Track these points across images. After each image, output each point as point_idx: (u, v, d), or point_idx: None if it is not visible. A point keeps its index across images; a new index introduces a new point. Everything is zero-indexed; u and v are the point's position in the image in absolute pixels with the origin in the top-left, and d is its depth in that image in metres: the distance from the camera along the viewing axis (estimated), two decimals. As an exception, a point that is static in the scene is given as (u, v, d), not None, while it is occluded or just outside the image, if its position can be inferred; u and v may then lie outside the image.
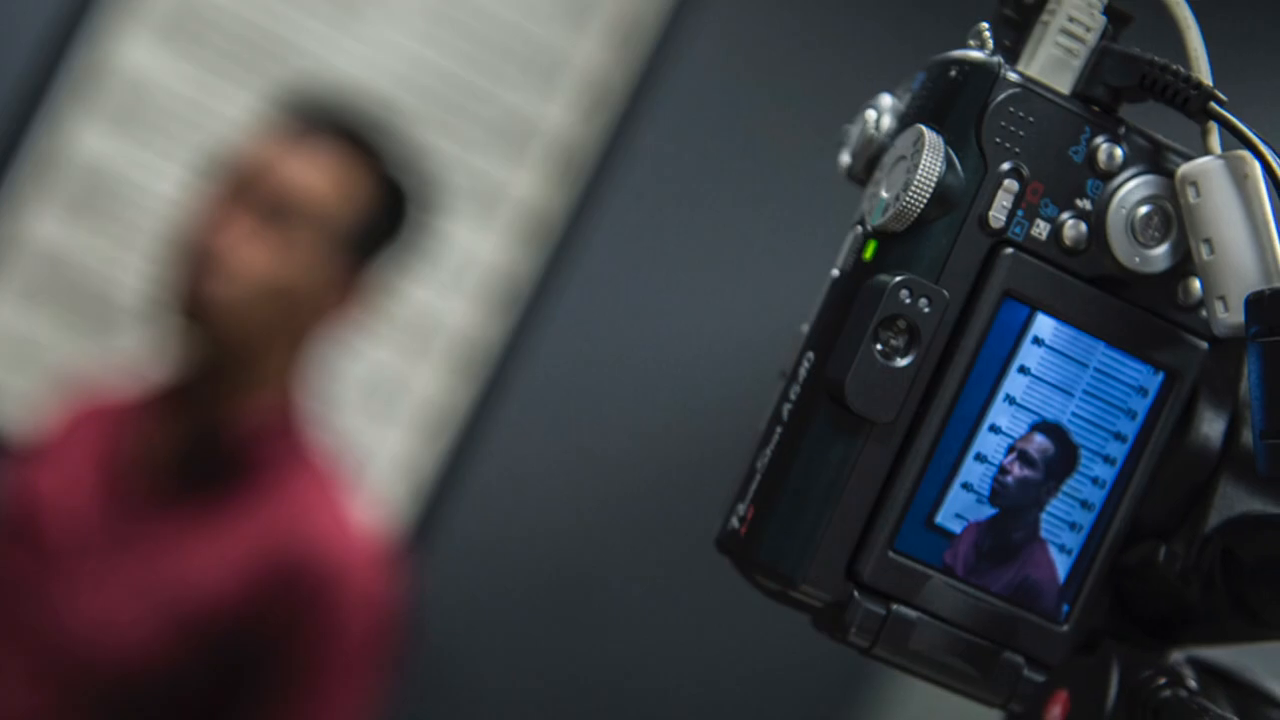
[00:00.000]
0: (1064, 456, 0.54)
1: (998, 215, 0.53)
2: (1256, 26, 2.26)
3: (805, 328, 0.56)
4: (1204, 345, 0.55)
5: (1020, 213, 0.53)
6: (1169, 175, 0.54)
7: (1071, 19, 0.54)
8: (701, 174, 2.34)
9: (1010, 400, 0.54)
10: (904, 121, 0.55)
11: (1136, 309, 0.54)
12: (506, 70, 2.28)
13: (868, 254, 0.54)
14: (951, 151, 0.53)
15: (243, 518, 1.58)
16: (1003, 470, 0.54)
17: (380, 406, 2.26)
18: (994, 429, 0.54)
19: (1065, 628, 0.55)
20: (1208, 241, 0.52)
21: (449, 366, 2.27)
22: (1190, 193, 0.52)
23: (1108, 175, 0.54)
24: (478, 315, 2.27)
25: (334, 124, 1.69)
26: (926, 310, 0.52)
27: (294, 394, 1.66)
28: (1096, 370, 0.54)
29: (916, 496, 0.53)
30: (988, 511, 0.54)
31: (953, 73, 0.54)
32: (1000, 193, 0.53)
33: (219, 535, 1.58)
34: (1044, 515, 0.54)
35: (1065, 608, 0.55)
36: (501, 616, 2.30)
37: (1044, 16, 0.54)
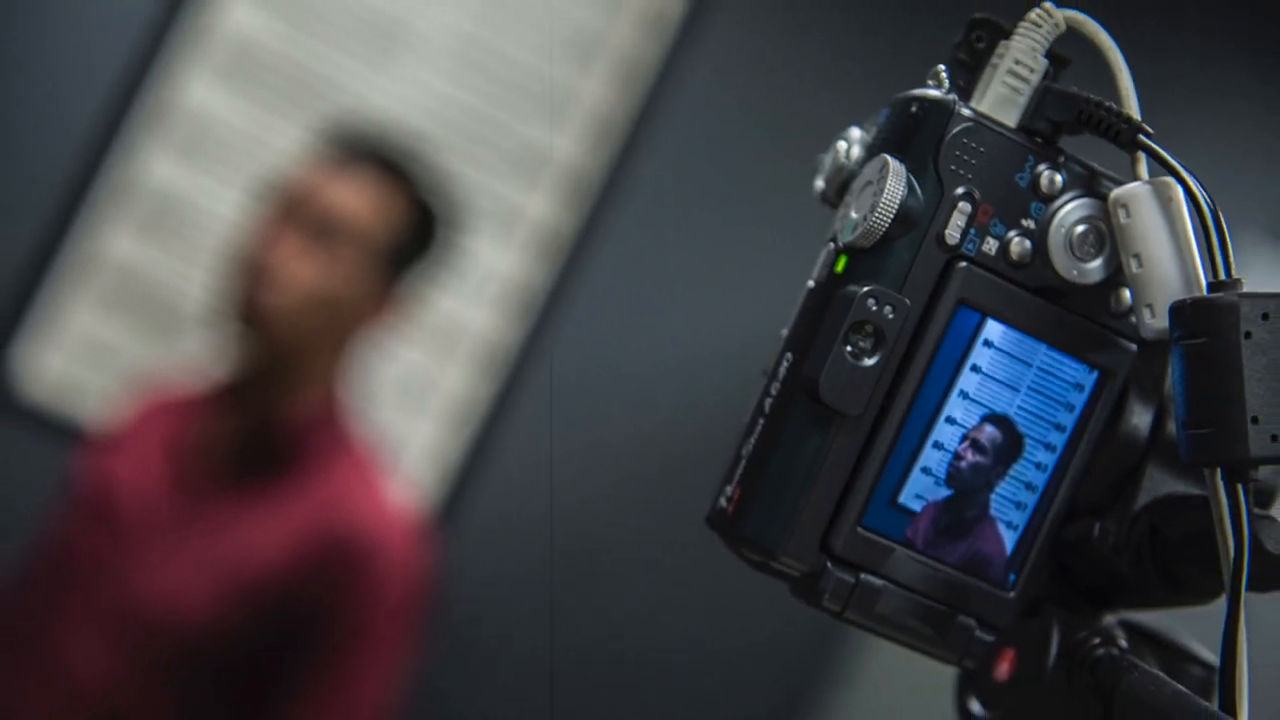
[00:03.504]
0: (1011, 444, 0.54)
1: (953, 233, 0.53)
2: (1179, 69, 2.26)
3: (785, 332, 0.56)
4: (1133, 347, 0.55)
5: (973, 231, 0.53)
6: (1103, 198, 0.54)
7: (1017, 62, 0.54)
8: (694, 198, 2.34)
9: (964, 395, 0.54)
10: (871, 151, 0.55)
11: (1074, 315, 0.54)
12: (523, 106, 2.28)
13: (839, 267, 0.54)
14: (912, 177, 0.53)
15: (293, 499, 1.58)
16: (957, 456, 0.54)
17: (412, 402, 2.26)
18: (950, 420, 0.54)
19: (1012, 594, 0.55)
20: (1137, 256, 0.52)
21: (473, 367, 2.27)
22: (1121, 214, 0.52)
23: (1049, 198, 0.54)
24: (498, 322, 2.27)
25: (372, 154, 1.69)
26: (890, 316, 0.52)
27: (337, 391, 1.66)
28: (1039, 369, 0.54)
29: (882, 479, 0.53)
30: (944, 492, 0.54)
31: (913, 108, 0.54)
32: (955, 214, 0.53)
33: (272, 514, 1.57)
34: (993, 496, 0.54)
35: (1012, 577, 0.55)
36: (518, 587, 2.30)
37: (994, 59, 0.55)
